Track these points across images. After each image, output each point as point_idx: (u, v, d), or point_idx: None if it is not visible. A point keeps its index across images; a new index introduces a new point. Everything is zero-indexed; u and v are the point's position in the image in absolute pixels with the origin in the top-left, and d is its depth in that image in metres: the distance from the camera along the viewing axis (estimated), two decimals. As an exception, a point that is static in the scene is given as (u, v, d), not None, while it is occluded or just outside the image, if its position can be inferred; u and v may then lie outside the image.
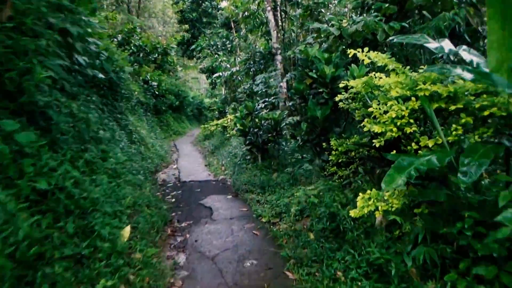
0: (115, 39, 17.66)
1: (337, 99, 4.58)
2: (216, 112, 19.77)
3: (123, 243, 3.44)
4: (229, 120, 15.16)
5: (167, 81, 20.98)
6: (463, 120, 2.98)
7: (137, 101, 14.49)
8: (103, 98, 7.67)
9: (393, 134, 3.26)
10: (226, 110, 17.96)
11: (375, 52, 3.72)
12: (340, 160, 5.03)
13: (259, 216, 5.62)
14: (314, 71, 5.80)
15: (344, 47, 7.37)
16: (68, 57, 4.94)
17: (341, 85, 4.44)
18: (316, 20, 13.25)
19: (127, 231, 3.61)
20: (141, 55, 19.24)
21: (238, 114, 14.06)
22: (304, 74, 6.01)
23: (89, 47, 6.40)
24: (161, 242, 4.56)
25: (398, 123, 3.22)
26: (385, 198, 3.29)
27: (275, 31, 12.39)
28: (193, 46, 25.89)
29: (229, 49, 22.37)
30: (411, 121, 3.22)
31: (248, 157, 9.32)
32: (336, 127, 5.56)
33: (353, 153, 4.97)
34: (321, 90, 5.57)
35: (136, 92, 13.09)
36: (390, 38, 4.25)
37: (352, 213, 3.35)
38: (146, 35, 21.36)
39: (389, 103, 3.37)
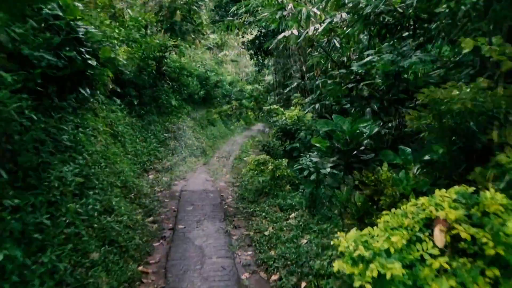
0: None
1: (407, 117, 2.82)
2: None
3: None
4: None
5: (189, 53, 12.71)
6: None
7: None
8: (61, 93, 4.80)
9: None
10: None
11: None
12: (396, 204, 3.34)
13: (269, 267, 4.04)
14: (354, 67, 4.02)
15: (371, 28, 5.48)
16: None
17: (421, 97, 2.69)
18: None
19: None
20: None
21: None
22: (342, 73, 4.22)
23: (51, 19, 4.65)
24: None
25: None
26: None
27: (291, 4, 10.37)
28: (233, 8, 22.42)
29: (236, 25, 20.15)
30: None
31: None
32: (387, 149, 3.82)
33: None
34: (366, 94, 3.80)
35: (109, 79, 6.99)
36: None
37: None
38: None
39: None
